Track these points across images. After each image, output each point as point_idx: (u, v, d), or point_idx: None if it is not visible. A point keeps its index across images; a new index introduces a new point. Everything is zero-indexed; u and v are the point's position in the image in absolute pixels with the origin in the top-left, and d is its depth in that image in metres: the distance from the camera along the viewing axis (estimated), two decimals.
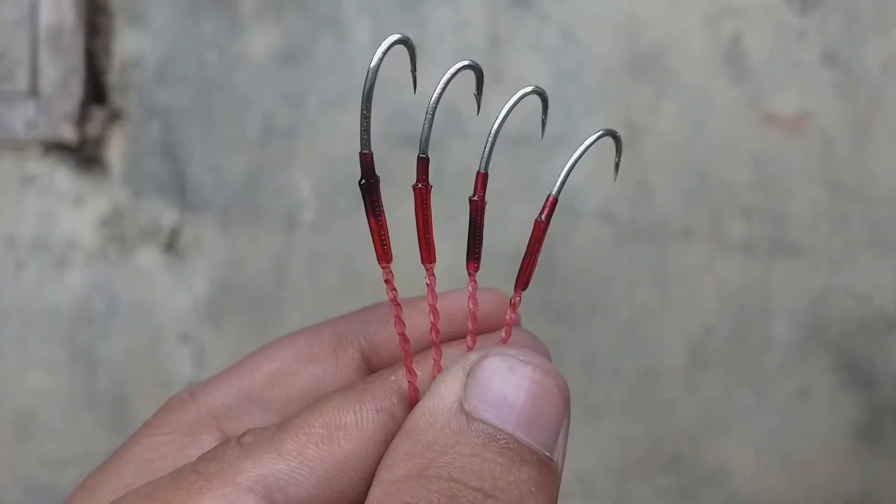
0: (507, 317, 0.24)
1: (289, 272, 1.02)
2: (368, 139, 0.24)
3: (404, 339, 0.23)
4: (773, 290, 1.00)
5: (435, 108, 0.23)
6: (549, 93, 0.25)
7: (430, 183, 0.24)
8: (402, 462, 0.20)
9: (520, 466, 0.19)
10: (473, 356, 0.21)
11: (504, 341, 0.25)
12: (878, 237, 1.00)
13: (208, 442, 0.24)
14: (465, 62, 0.24)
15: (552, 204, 0.24)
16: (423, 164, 0.23)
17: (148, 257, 1.03)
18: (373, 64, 0.22)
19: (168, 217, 1.03)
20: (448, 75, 0.23)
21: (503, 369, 0.20)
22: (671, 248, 1.00)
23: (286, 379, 0.25)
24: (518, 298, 0.24)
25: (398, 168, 1.01)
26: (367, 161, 0.24)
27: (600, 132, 0.25)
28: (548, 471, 0.20)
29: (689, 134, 1.00)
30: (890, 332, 1.01)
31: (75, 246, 1.03)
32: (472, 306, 0.23)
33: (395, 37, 0.23)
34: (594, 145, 0.24)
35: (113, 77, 1.03)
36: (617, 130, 0.25)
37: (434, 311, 0.23)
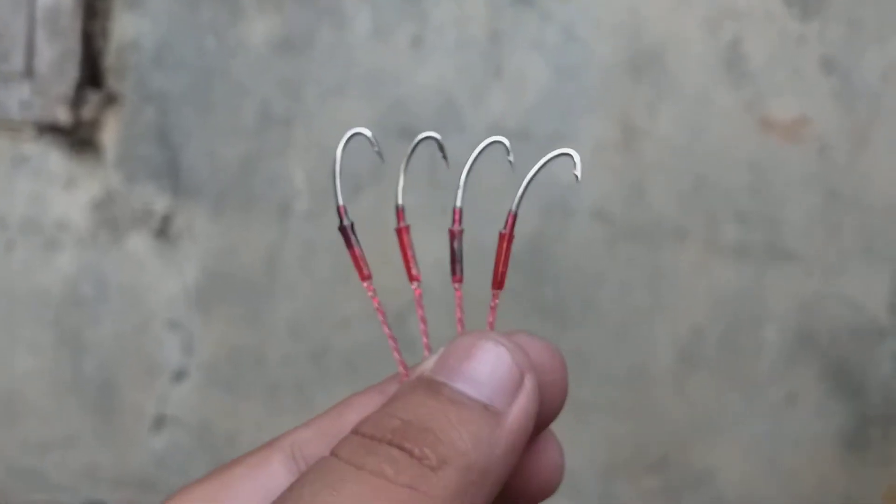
0: (489, 319, 0.28)
1: (281, 262, 1.02)
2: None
3: (391, 338, 0.28)
4: (766, 296, 1.00)
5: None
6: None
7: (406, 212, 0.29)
8: None
9: (441, 404, 0.22)
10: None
11: None
12: (872, 246, 1.00)
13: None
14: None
15: (513, 219, 0.28)
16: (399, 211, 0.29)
17: (139, 242, 1.02)
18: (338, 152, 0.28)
19: (160, 203, 1.02)
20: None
21: (458, 343, 0.24)
22: (665, 249, 1.00)
23: None
24: (495, 301, 0.28)
25: (396, 161, 1.01)
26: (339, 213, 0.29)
27: (558, 152, 0.28)
28: (474, 412, 0.22)
29: (686, 136, 0.99)
30: (880, 341, 1.01)
31: (66, 229, 1.02)
32: (458, 313, 0.28)
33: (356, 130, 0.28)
34: (570, 162, 0.27)
35: (109, 60, 1.02)
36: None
37: (423, 320, 0.28)
